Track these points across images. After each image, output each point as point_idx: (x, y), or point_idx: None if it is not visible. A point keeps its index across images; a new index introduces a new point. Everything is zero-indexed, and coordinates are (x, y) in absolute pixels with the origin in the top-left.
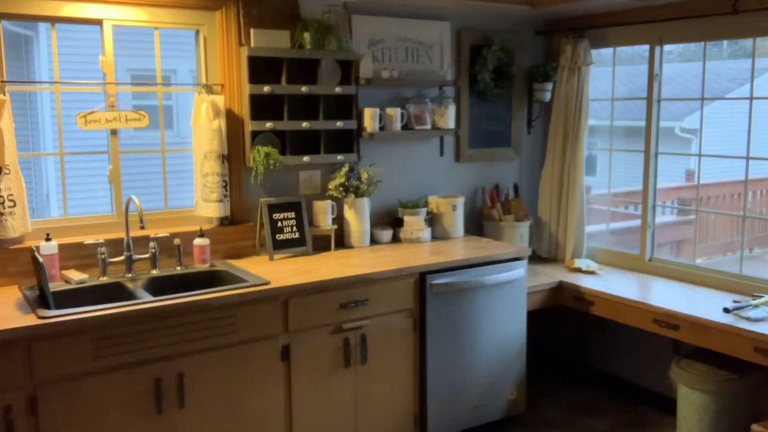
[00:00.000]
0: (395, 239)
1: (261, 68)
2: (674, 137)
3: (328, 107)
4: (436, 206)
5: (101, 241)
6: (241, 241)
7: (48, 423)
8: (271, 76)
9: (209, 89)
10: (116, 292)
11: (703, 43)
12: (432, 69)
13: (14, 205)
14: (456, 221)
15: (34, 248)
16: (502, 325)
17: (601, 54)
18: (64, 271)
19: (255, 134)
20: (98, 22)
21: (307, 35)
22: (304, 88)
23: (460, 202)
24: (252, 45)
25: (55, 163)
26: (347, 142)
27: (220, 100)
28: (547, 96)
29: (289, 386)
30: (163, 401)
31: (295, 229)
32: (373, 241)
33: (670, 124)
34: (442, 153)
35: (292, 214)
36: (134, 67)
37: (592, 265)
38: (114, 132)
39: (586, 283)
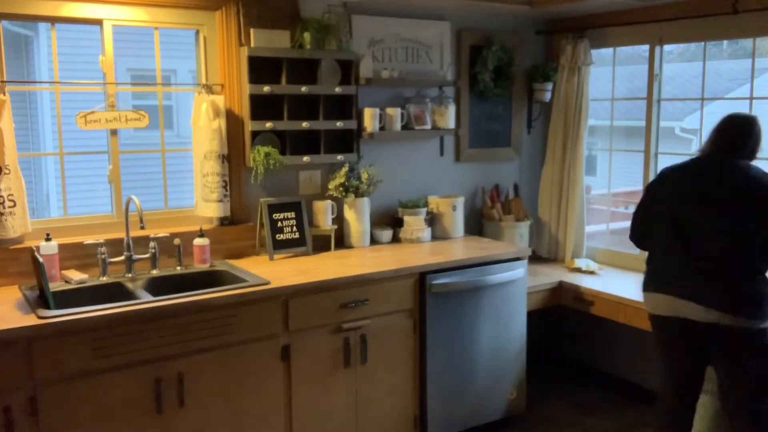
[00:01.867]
0: (395, 239)
1: (261, 68)
2: (674, 137)
3: (328, 107)
4: (436, 206)
5: (101, 241)
6: (241, 241)
7: (48, 423)
8: (271, 76)
9: (209, 89)
10: (116, 292)
11: (703, 43)
12: (432, 69)
13: (14, 205)
14: (456, 221)
15: (34, 248)
16: (502, 325)
17: (601, 54)
18: (64, 271)
19: (255, 134)
20: (98, 22)
21: (307, 35)
22: (304, 88)
23: (460, 202)
24: (252, 45)
25: (55, 163)
26: (347, 142)
27: (220, 100)
28: (547, 96)
29: (289, 386)
30: (163, 401)
31: (295, 229)
32: (373, 241)
33: (670, 124)
34: (442, 153)
35: (292, 214)
36: (134, 67)
37: (592, 265)
38: (114, 132)
39: (586, 283)
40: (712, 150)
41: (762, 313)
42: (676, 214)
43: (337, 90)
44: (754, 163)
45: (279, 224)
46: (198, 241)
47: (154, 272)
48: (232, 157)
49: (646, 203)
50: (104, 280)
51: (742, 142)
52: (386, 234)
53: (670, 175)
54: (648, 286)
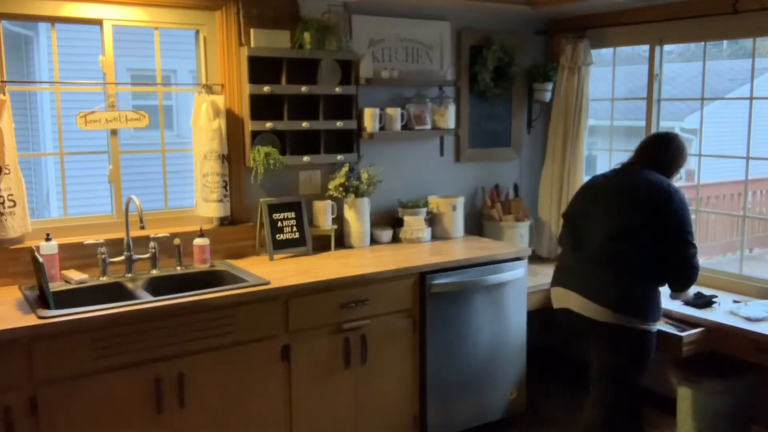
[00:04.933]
0: (395, 239)
1: (261, 68)
2: None
3: (328, 107)
4: (436, 206)
5: (101, 241)
6: (241, 241)
7: (48, 423)
8: (271, 76)
9: (209, 89)
10: (116, 292)
11: (703, 43)
12: (432, 69)
13: (14, 205)
14: (456, 221)
15: (34, 248)
16: (502, 325)
17: (601, 54)
18: (64, 271)
19: (255, 134)
20: (98, 22)
21: (307, 35)
22: (304, 88)
23: (460, 202)
24: (252, 45)
25: (55, 163)
26: (347, 142)
27: (220, 100)
28: (547, 96)
29: (289, 386)
30: (163, 401)
31: (295, 229)
32: (373, 241)
33: (670, 124)
34: (442, 153)
35: (292, 214)
36: (134, 67)
37: None
38: (114, 132)
39: None
40: (631, 161)
41: (627, 308)
42: (575, 213)
43: (337, 90)
44: (675, 181)
45: (279, 224)
46: (198, 241)
47: (154, 272)
48: (232, 157)
49: (567, 207)
50: (104, 280)
51: (658, 156)
52: (386, 234)
53: (590, 181)
54: (551, 283)
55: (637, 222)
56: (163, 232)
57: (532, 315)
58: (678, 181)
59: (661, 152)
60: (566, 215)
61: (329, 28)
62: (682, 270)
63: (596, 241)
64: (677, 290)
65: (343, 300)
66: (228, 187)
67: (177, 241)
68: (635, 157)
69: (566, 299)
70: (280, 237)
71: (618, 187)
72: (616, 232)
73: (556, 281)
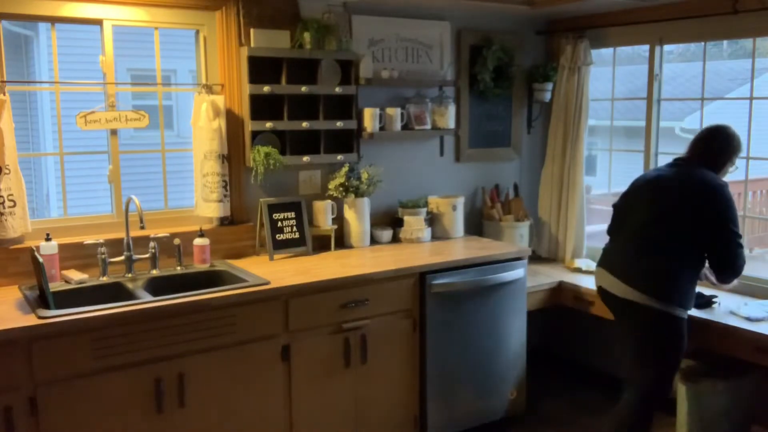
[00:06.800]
0: (395, 239)
1: (261, 68)
2: (674, 137)
3: (328, 107)
4: (436, 206)
5: (101, 241)
6: (241, 241)
7: (48, 423)
8: (271, 76)
9: (209, 89)
10: (116, 292)
11: (703, 43)
12: (432, 69)
13: (14, 205)
14: (456, 221)
15: (34, 248)
16: (502, 325)
17: (601, 54)
18: (64, 271)
19: (255, 134)
20: (98, 22)
21: (307, 35)
22: (304, 88)
23: (460, 202)
24: (252, 45)
25: (55, 163)
26: (347, 142)
27: (220, 100)
28: (547, 96)
29: (289, 386)
30: (164, 401)
31: (295, 229)
32: (373, 241)
33: (670, 124)
34: (442, 153)
35: (292, 214)
36: (134, 67)
37: (592, 265)
38: (114, 132)
39: (586, 283)
40: (683, 157)
41: (653, 289)
42: (621, 203)
43: (337, 90)
44: (725, 178)
45: (279, 224)
46: (198, 241)
47: (154, 272)
48: (232, 157)
49: (617, 199)
50: (104, 280)
51: (705, 151)
52: (386, 234)
53: (642, 174)
54: (596, 264)
55: (675, 210)
56: (163, 232)
57: (532, 315)
58: (730, 174)
59: (708, 147)
60: (615, 206)
61: (329, 28)
62: (726, 261)
63: (634, 225)
64: (722, 281)
65: (343, 300)
66: (228, 187)
67: (177, 241)
68: (687, 153)
69: (601, 278)
70: (280, 237)
71: (663, 180)
72: (652, 217)
73: (599, 262)
